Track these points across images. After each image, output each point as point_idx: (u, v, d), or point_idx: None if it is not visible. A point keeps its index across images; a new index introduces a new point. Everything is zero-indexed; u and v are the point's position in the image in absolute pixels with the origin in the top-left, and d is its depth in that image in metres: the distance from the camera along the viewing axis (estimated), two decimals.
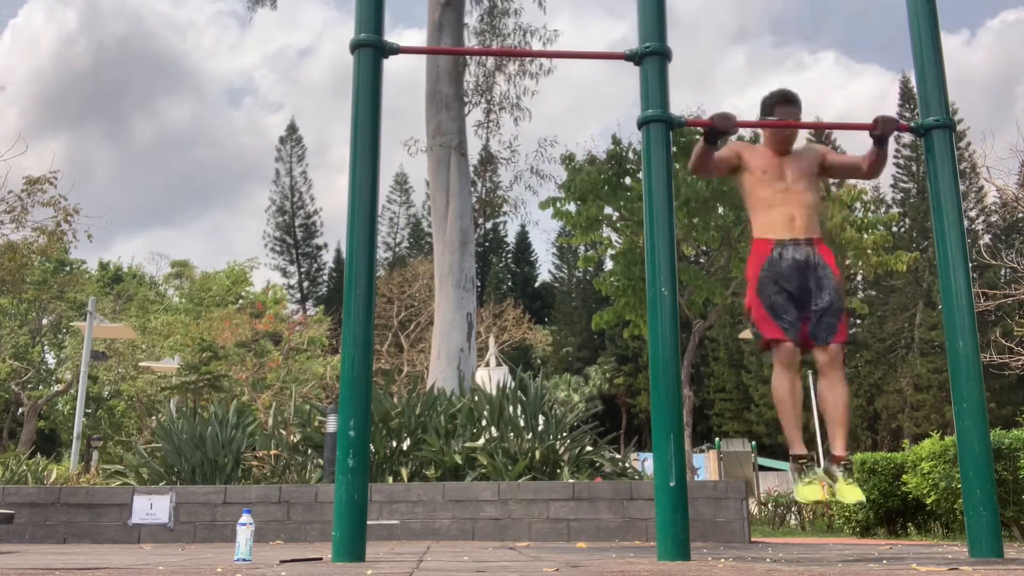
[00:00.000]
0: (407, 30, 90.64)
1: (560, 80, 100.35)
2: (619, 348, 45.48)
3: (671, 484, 3.70)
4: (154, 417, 18.27)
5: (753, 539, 7.20)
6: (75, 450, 14.12)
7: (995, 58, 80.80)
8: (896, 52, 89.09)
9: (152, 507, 6.87)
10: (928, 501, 8.06)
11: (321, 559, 3.85)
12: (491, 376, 12.94)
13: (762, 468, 23.34)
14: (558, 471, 7.55)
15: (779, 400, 3.87)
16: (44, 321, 32.24)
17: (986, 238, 39.22)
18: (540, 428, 7.73)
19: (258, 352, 22.55)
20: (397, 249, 58.39)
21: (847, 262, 15.81)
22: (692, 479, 14.32)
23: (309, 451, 8.03)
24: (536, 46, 19.81)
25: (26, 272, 19.93)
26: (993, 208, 44.10)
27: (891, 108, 54.20)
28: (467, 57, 18.83)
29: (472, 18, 20.08)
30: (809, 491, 3.73)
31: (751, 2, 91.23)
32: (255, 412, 10.77)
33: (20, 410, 31.67)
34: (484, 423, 7.85)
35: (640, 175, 12.23)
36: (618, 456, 8.38)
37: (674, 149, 7.67)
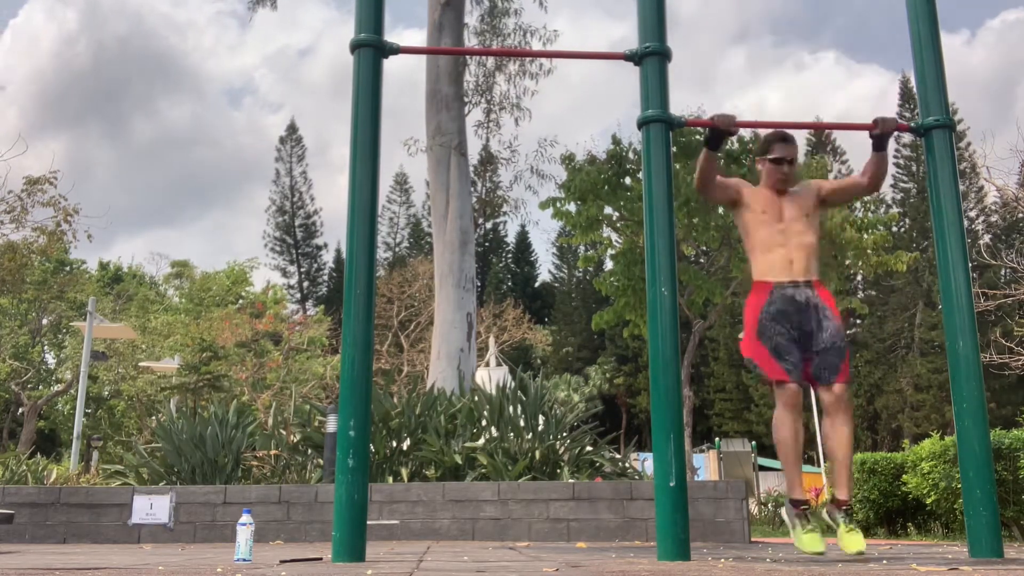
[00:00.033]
0: (407, 30, 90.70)
1: (560, 80, 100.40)
2: (619, 348, 45.49)
3: (671, 484, 3.70)
4: (154, 417, 18.27)
5: (753, 539, 7.20)
6: (75, 450, 14.13)
7: (995, 58, 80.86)
8: (896, 52, 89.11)
9: (152, 507, 6.87)
10: (928, 501, 8.06)
11: (321, 559, 3.85)
12: (491, 376, 12.94)
13: (762, 468, 23.32)
14: (558, 471, 7.55)
15: (781, 441, 3.81)
16: (44, 321, 32.25)
17: (986, 238, 39.22)
18: (540, 428, 7.73)
19: (258, 352, 22.55)
20: (397, 249, 58.40)
21: (847, 262, 15.82)
22: (692, 479, 14.32)
23: (309, 451, 8.03)
24: (536, 46, 19.82)
25: (26, 272, 19.93)
26: (993, 208, 44.13)
27: (891, 108, 54.26)
28: (467, 57, 18.84)
29: (472, 18, 20.12)
30: (810, 540, 3.66)
31: (751, 2, 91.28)
32: (255, 412, 10.77)
33: (20, 410, 31.67)
34: (484, 423, 7.85)
35: (640, 175, 12.24)
36: (618, 456, 8.38)
37: (674, 149, 7.68)
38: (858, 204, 15.98)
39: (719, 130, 4.15)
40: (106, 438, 25.35)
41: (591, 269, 27.93)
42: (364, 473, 3.69)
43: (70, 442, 17.52)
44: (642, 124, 4.14)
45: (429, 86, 14.48)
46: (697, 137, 14.34)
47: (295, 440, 8.20)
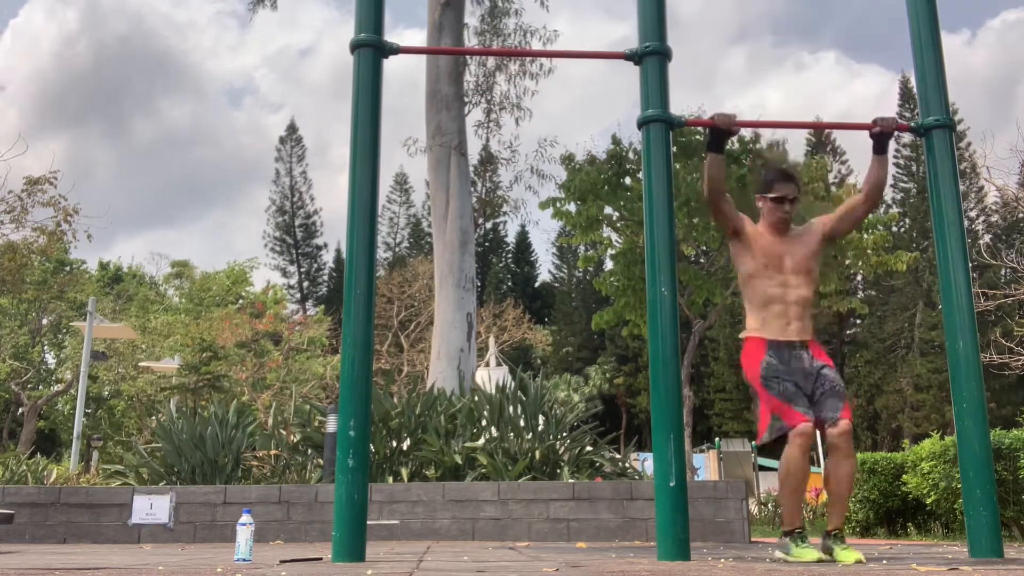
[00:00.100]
0: (407, 30, 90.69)
1: (560, 80, 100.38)
2: (619, 348, 45.50)
3: (671, 484, 3.70)
4: (154, 417, 18.26)
5: (753, 539, 7.20)
6: (75, 450, 14.13)
7: (996, 58, 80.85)
8: (896, 52, 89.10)
9: (152, 507, 6.87)
10: (928, 501, 8.05)
11: (321, 559, 3.85)
12: (491, 376, 12.94)
13: (762, 468, 23.31)
14: (558, 471, 7.55)
15: (789, 475, 3.86)
16: (44, 321, 32.25)
17: (986, 238, 39.18)
18: (540, 428, 7.73)
19: (258, 352, 22.55)
20: (397, 249, 58.40)
21: (847, 262, 15.82)
22: (692, 479, 14.32)
23: (309, 451, 8.03)
24: (536, 46, 19.83)
25: (26, 272, 19.93)
26: (993, 208, 44.15)
27: (891, 108, 54.27)
28: (467, 57, 18.84)
29: (473, 18, 20.11)
30: (808, 553, 3.77)
31: (751, 2, 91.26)
32: (255, 412, 10.77)
33: (20, 410, 31.68)
34: (484, 423, 7.85)
35: (640, 175, 12.24)
36: (618, 456, 8.38)
37: (674, 149, 7.68)
38: None
39: (720, 130, 4.12)
40: (106, 438, 25.34)
41: (591, 269, 27.91)
42: (364, 473, 3.69)
43: (70, 442, 17.52)
44: (642, 124, 4.14)
45: (429, 86, 14.48)
46: (697, 137, 14.33)
47: (295, 440, 8.20)
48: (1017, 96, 75.44)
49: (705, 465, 24.95)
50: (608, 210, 15.58)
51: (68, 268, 35.21)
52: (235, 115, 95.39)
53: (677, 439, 3.78)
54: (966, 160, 42.00)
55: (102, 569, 2.96)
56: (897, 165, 47.08)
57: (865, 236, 15.00)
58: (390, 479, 7.39)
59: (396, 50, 4.20)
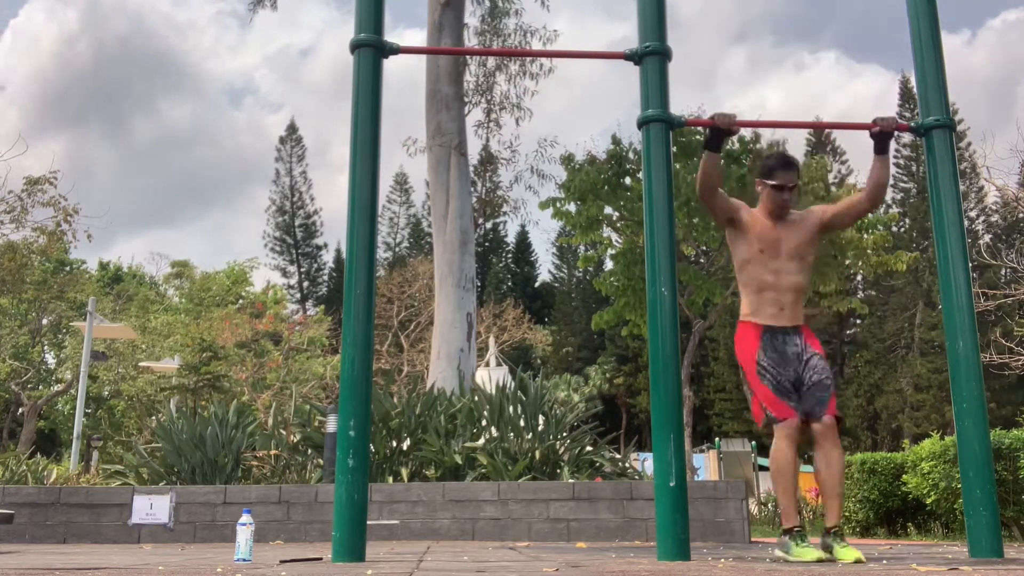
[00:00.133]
0: (407, 30, 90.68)
1: (560, 80, 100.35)
2: (619, 348, 45.49)
3: (671, 484, 3.70)
4: (154, 417, 18.26)
5: (753, 539, 7.20)
6: (75, 450, 14.13)
7: (996, 58, 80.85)
8: (896, 52, 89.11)
9: (152, 507, 6.87)
10: (928, 501, 8.05)
11: (321, 559, 3.85)
12: (491, 376, 12.95)
13: (762, 468, 23.29)
14: (558, 471, 7.55)
15: (779, 471, 3.95)
16: (44, 321, 32.24)
17: (986, 238, 39.18)
18: (540, 428, 7.73)
19: (258, 352, 22.55)
20: (397, 249, 58.40)
21: (847, 262, 15.82)
22: (692, 479, 14.32)
23: (309, 451, 8.03)
24: (536, 46, 19.82)
25: (26, 272, 19.93)
26: (993, 208, 44.15)
27: (891, 108, 54.27)
28: (467, 57, 18.84)
29: (473, 18, 20.11)
30: (808, 552, 3.80)
31: (751, 2, 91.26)
32: (255, 412, 10.77)
33: (20, 410, 31.68)
34: (484, 423, 7.85)
35: (640, 175, 12.24)
36: (618, 456, 8.38)
37: (674, 149, 7.68)
38: None
39: (719, 129, 4.13)
40: (106, 438, 25.34)
41: (591, 269, 27.92)
42: (364, 473, 3.69)
43: (70, 442, 17.52)
44: (642, 124, 4.14)
45: (429, 86, 14.48)
46: (697, 137, 14.33)
47: (295, 440, 8.20)
48: (1017, 96, 75.48)
49: (705, 465, 24.94)
50: (608, 210, 15.59)
51: (68, 268, 35.21)
52: (235, 115, 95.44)
53: (677, 439, 3.78)
54: (966, 160, 42.00)
55: (102, 569, 2.96)
56: (897, 165, 47.08)
57: (865, 236, 15.01)
58: (390, 479, 7.39)
59: (396, 50, 4.20)
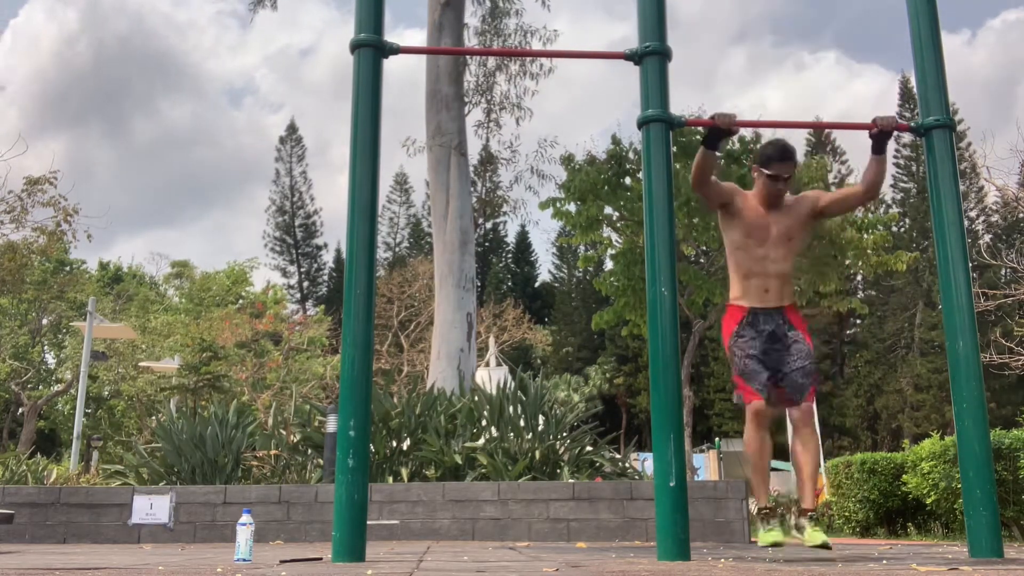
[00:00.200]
0: (407, 30, 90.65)
1: (560, 80, 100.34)
2: (619, 348, 45.46)
3: (671, 484, 3.70)
4: (154, 417, 18.26)
5: (753, 539, 7.20)
6: (75, 450, 14.13)
7: (996, 58, 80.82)
8: (896, 52, 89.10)
9: (152, 507, 6.87)
10: (928, 501, 8.06)
11: (321, 559, 3.85)
12: (491, 376, 12.95)
13: None
14: (558, 471, 7.55)
15: (750, 455, 4.07)
16: (44, 321, 32.25)
17: (986, 238, 39.19)
18: (540, 428, 7.73)
19: (258, 352, 22.55)
20: (397, 249, 58.39)
21: (847, 262, 15.82)
22: (692, 479, 14.32)
23: (309, 451, 8.03)
24: (536, 46, 19.82)
25: (26, 272, 19.92)
26: (993, 208, 44.15)
27: (891, 108, 54.25)
28: (467, 57, 18.84)
29: (473, 18, 20.11)
30: (771, 536, 4.03)
31: (751, 2, 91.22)
32: (255, 412, 10.77)
33: (20, 410, 31.68)
34: (484, 423, 7.85)
35: (640, 175, 12.23)
36: (618, 456, 8.38)
37: (674, 149, 7.68)
38: None
39: (719, 129, 4.16)
40: (106, 438, 25.35)
41: (591, 269, 27.92)
42: (364, 473, 3.69)
43: (70, 442, 17.52)
44: (642, 124, 4.14)
45: (429, 86, 14.48)
46: (697, 137, 14.33)
47: (295, 440, 8.20)
48: (1017, 96, 75.46)
49: (705, 465, 24.96)
50: (608, 210, 15.60)
51: (68, 268, 35.22)
52: (235, 115, 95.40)
53: (677, 439, 3.77)
54: (966, 160, 41.99)
55: (102, 569, 2.96)
56: (897, 165, 47.08)
57: (865, 236, 15.02)
58: (390, 479, 7.39)
59: (396, 50, 4.20)
